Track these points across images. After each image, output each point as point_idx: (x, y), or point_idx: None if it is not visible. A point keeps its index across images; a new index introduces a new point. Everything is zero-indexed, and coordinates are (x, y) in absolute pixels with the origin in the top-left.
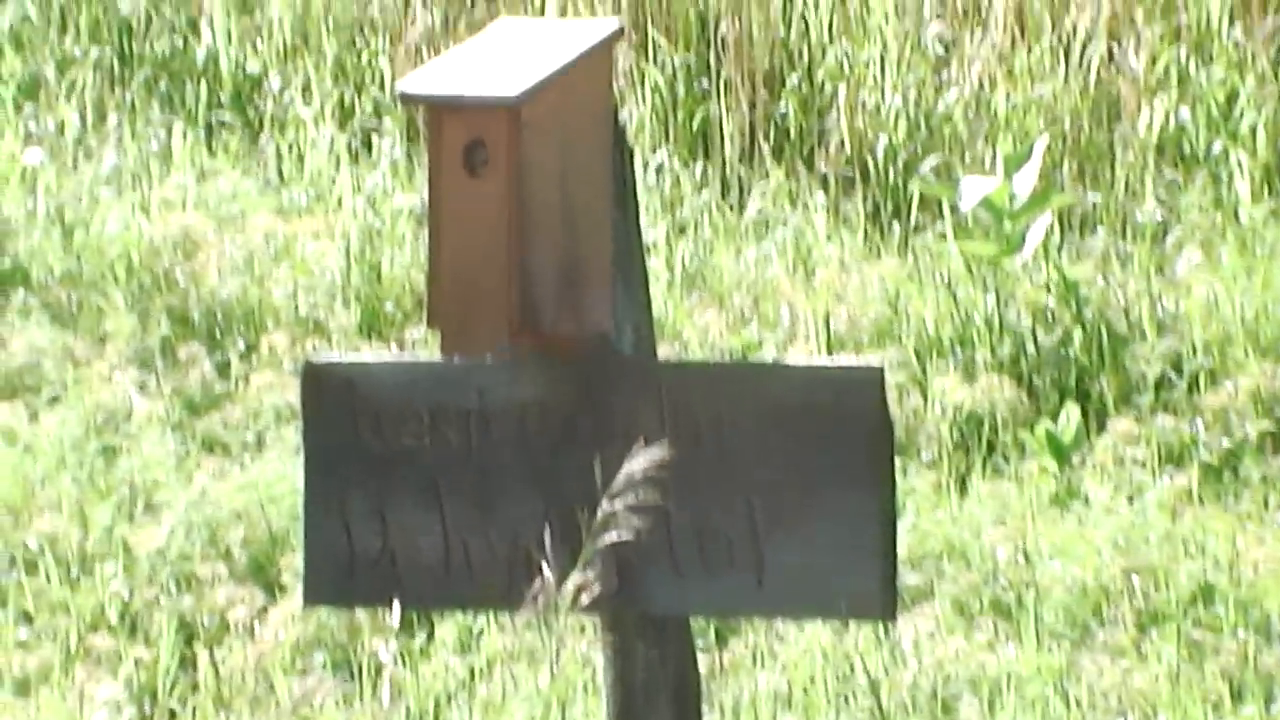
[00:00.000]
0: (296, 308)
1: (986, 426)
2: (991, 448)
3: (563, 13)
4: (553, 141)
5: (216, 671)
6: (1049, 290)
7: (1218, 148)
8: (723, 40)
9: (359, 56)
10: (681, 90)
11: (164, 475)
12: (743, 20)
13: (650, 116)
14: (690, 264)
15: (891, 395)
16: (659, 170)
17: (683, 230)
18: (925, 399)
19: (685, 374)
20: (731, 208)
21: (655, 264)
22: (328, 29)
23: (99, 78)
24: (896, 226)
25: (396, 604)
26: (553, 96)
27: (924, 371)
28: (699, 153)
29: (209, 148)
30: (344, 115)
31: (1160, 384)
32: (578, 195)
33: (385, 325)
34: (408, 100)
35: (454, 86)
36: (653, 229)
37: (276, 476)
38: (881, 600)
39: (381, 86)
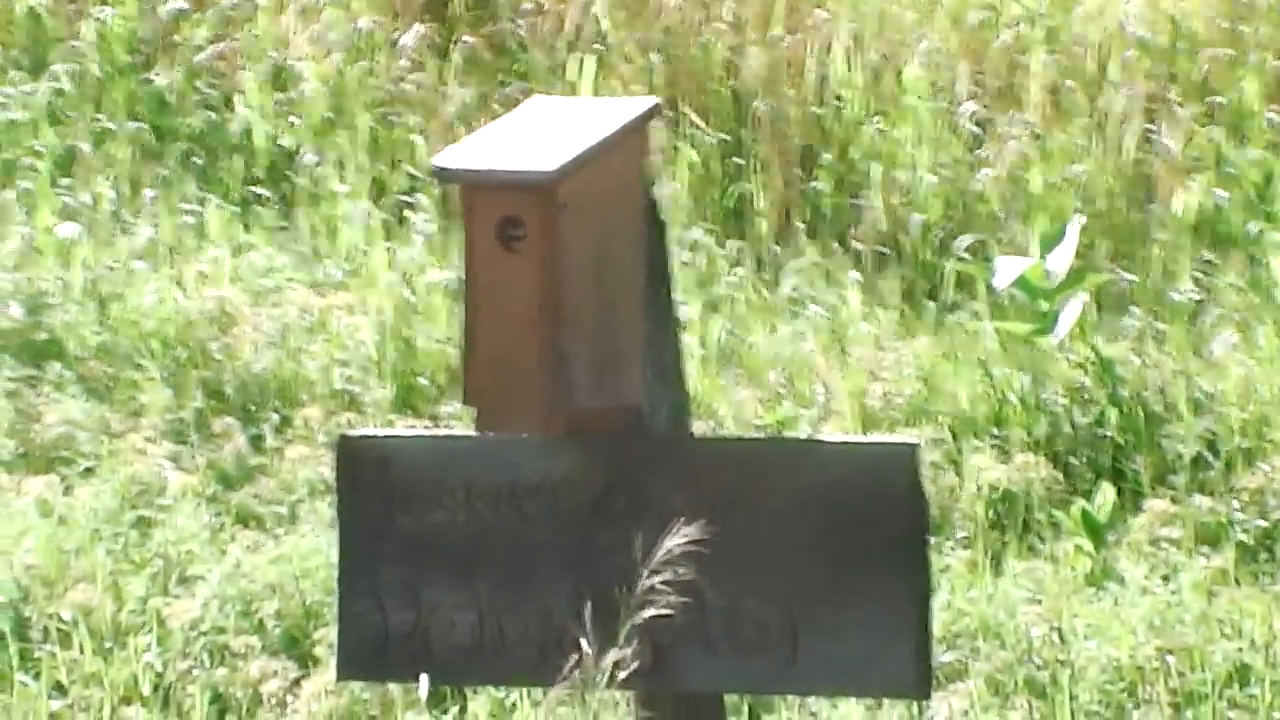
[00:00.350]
0: (331, 382)
1: (1021, 505)
2: (1026, 526)
3: (597, 91)
4: (588, 218)
5: None
6: (1084, 370)
7: (1254, 229)
8: (757, 117)
9: (392, 132)
10: (716, 167)
11: (198, 548)
12: (777, 97)
13: (685, 193)
14: (725, 340)
15: (926, 473)
16: (694, 247)
17: (717, 307)
18: (960, 477)
19: (719, 451)
20: (766, 284)
21: (690, 340)
22: (362, 104)
23: (134, 152)
24: (931, 304)
25: (426, 679)
26: (588, 173)
27: (959, 450)
28: (733, 229)
29: (243, 222)
30: (378, 190)
31: (1196, 464)
32: (612, 271)
33: (420, 400)
34: (443, 176)
35: (489, 162)
36: (687, 305)
37: (310, 550)
38: (916, 679)
39: (415, 161)
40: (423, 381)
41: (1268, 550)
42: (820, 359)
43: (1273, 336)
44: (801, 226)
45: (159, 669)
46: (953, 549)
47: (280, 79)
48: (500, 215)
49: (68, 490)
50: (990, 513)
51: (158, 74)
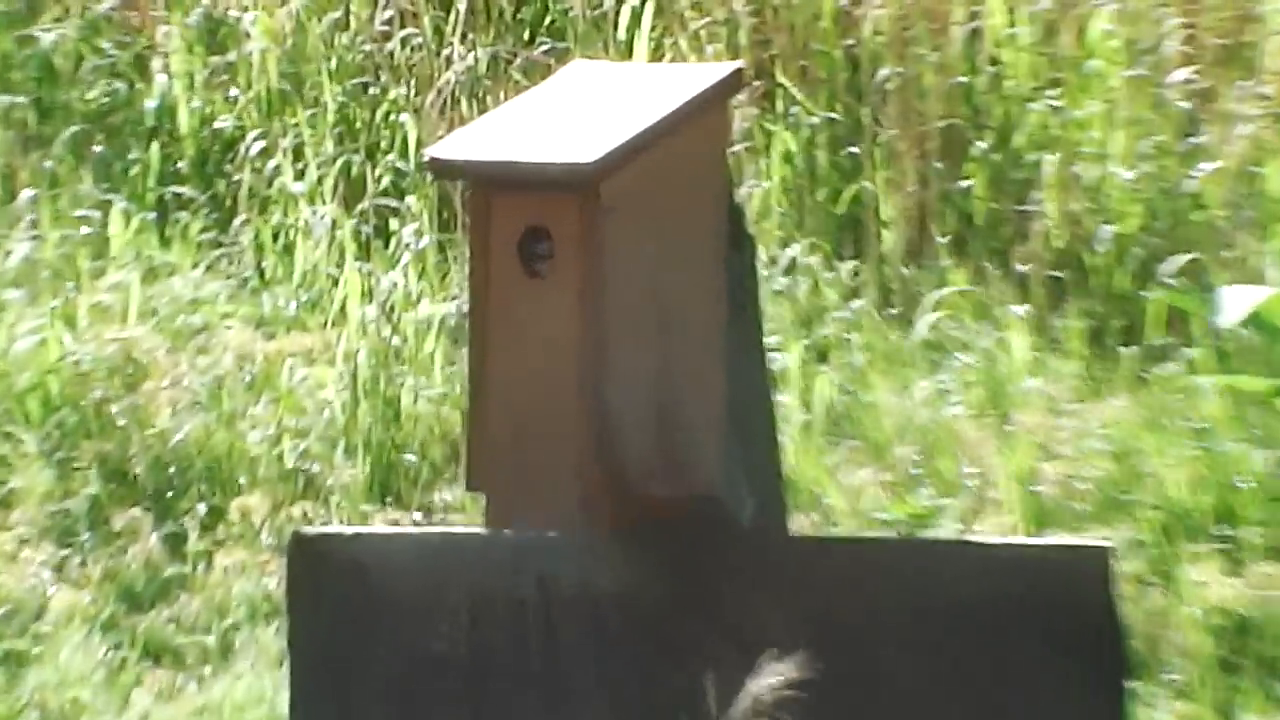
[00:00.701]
0: (281, 459)
1: (1262, 638)
2: (1270, 667)
3: (657, 54)
4: (643, 230)
5: None
6: None
7: None
8: (882, 90)
9: (372, 111)
10: (824, 159)
11: (89, 694)
12: (909, 62)
13: (781, 195)
14: (836, 401)
15: (1124, 590)
16: (792, 270)
17: (825, 354)
18: (1174, 596)
19: (829, 556)
20: (894, 323)
21: (787, 401)
22: (329, 71)
23: (8, 137)
24: (1127, 351)
25: None
26: (645, 168)
27: (1170, 557)
28: (848, 246)
29: (160, 234)
30: (351, 191)
31: None
32: (678, 306)
33: (405, 484)
34: (441, 171)
35: (507, 152)
36: (784, 352)
37: (249, 697)
38: None
39: (404, 152)
40: (409, 458)
41: None
42: (970, 428)
43: None
44: (943, 242)
45: None
46: (1164, 699)
47: (216, 35)
48: (522, 226)
49: None
50: (1218, 647)
51: (45, 29)
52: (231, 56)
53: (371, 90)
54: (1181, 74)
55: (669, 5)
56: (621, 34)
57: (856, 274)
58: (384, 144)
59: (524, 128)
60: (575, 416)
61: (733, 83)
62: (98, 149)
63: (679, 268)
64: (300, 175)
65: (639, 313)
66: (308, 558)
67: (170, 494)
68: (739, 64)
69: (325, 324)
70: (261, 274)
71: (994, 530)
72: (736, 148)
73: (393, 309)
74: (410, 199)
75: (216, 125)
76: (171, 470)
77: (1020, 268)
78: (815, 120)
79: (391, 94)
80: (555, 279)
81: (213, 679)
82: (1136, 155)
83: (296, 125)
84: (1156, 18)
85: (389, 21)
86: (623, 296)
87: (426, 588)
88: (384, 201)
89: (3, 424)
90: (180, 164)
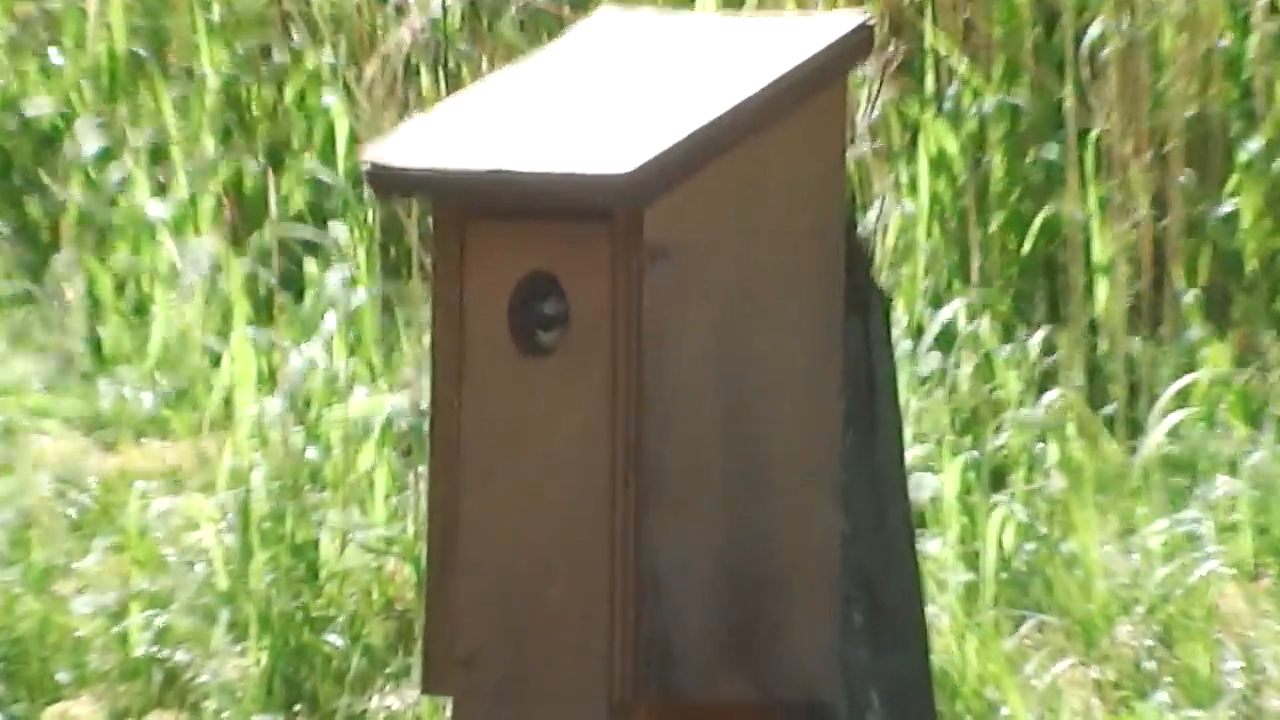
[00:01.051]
0: (126, 641)
1: None
2: None
3: (732, 0)
4: (710, 284)
5: None
6: None
7: None
8: (1093, 57)
9: (278, 88)
10: (1000, 169)
11: None
12: (1138, 14)
13: (930, 226)
14: (1019, 552)
15: None
16: (949, 343)
17: (1001, 477)
18: None
19: None
20: (1111, 427)
21: (935, 548)
22: (207, 26)
23: None
24: None
25: None
26: (712, 186)
27: None
28: (1037, 305)
29: None
30: (244, 216)
31: None
32: (764, 401)
33: (325, 683)
34: (389, 185)
35: (494, 156)
36: (934, 473)
37: None
38: None
39: (328, 155)
40: (332, 640)
41: None
42: (1236, 596)
43: None
44: (1191, 299)
45: None
46: None
47: None
48: (518, 275)
49: None
50: None
51: None
52: (53, 2)
53: (277, 56)
54: None
55: None
56: None
57: (1051, 349)
58: (296, 142)
59: (520, 118)
60: (600, 576)
61: (855, 45)
62: None
63: (766, 342)
64: (162, 190)
65: (703, 412)
66: None
67: None
68: (864, 15)
69: (199, 427)
70: (98, 347)
71: None
72: (860, 150)
73: (308, 404)
74: (338, 228)
75: (27, 112)
76: None
77: None
78: (988, 105)
79: (309, 62)
80: (570, 357)
81: None
82: None
83: (156, 111)
84: None
85: None
86: (678, 387)
87: None
88: (297, 233)
89: None
90: None
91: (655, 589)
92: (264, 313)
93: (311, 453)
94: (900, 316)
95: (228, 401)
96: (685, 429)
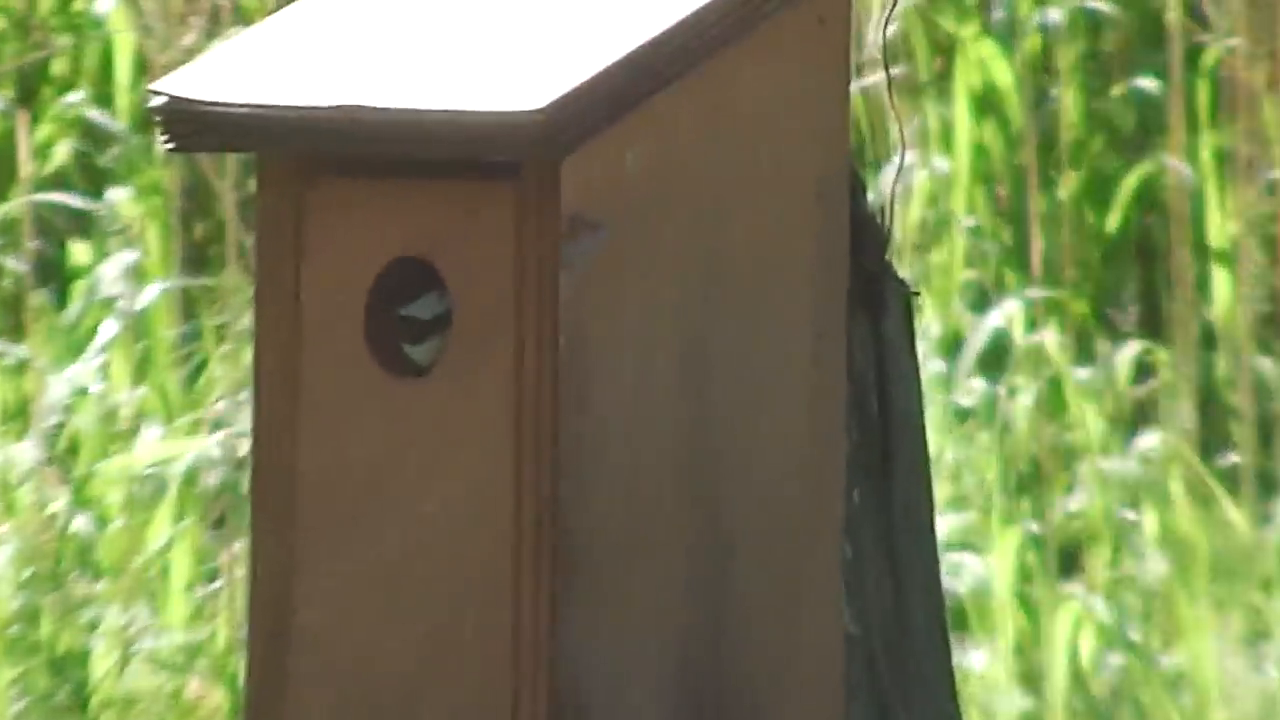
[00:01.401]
0: None
1: None
2: None
3: None
4: (661, 272)
5: None
6: None
7: None
8: None
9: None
10: (1071, 108)
11: None
12: None
13: (972, 193)
14: (1098, 665)
15: None
16: (1000, 347)
17: (1073, 556)
18: None
19: None
20: (1228, 485)
21: (980, 661)
22: None
23: None
24: None
25: None
26: (660, 132)
27: None
28: (1125, 308)
29: None
30: None
31: None
32: (735, 438)
33: None
34: (191, 128)
35: (345, 89)
36: (977, 544)
37: None
38: None
39: (103, 88)
40: None
41: None
42: None
43: None
44: None
45: None
46: None
47: None
48: (381, 260)
49: None
50: None
51: None
52: None
53: None
54: None
55: None
56: None
57: (1148, 371)
58: (57, 68)
59: (383, 39)
60: (495, 701)
61: None
62: None
63: (737, 354)
64: None
65: (647, 457)
66: None
67: None
68: None
69: None
70: None
71: None
72: (870, 80)
73: (74, 451)
74: (118, 194)
75: None
76: None
77: None
78: (1055, 15)
79: None
80: (452, 379)
81: None
82: None
83: None
84: None
85: None
86: (609, 420)
87: None
88: (56, 196)
89: None
90: None
91: (575, 707)
92: (10, 318)
93: (81, 523)
94: (929, 322)
95: None
96: (621, 482)
